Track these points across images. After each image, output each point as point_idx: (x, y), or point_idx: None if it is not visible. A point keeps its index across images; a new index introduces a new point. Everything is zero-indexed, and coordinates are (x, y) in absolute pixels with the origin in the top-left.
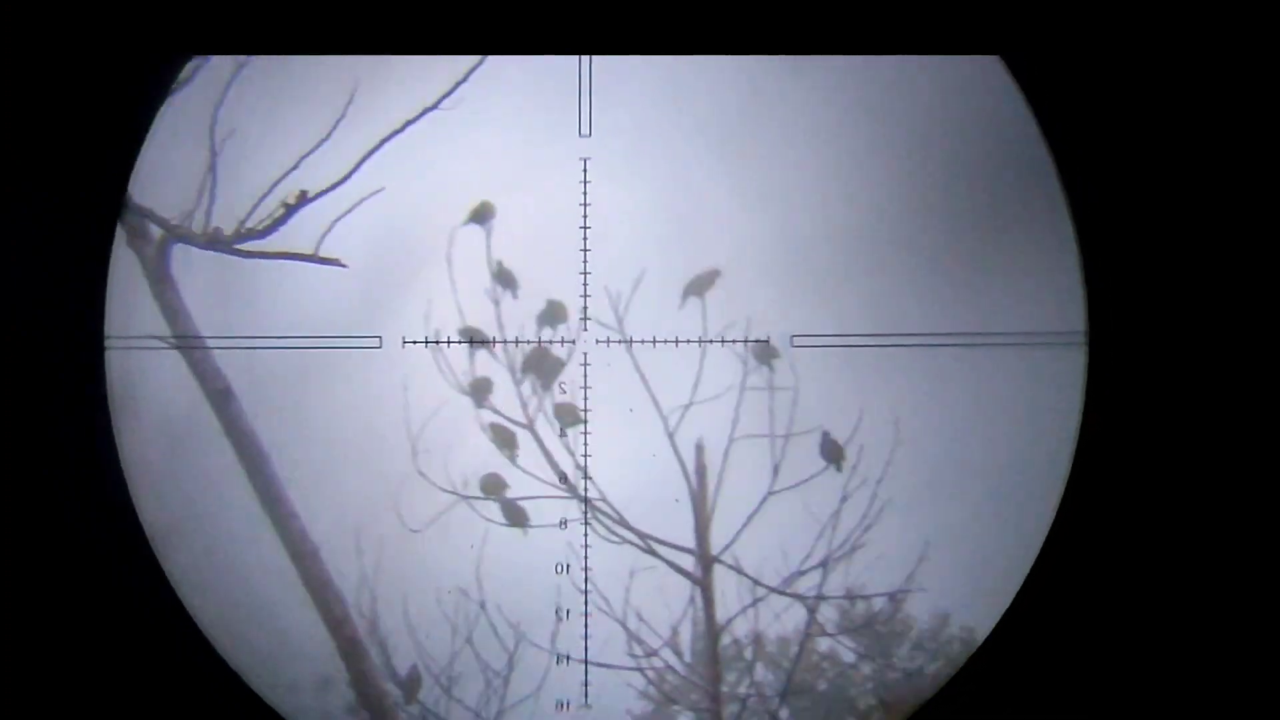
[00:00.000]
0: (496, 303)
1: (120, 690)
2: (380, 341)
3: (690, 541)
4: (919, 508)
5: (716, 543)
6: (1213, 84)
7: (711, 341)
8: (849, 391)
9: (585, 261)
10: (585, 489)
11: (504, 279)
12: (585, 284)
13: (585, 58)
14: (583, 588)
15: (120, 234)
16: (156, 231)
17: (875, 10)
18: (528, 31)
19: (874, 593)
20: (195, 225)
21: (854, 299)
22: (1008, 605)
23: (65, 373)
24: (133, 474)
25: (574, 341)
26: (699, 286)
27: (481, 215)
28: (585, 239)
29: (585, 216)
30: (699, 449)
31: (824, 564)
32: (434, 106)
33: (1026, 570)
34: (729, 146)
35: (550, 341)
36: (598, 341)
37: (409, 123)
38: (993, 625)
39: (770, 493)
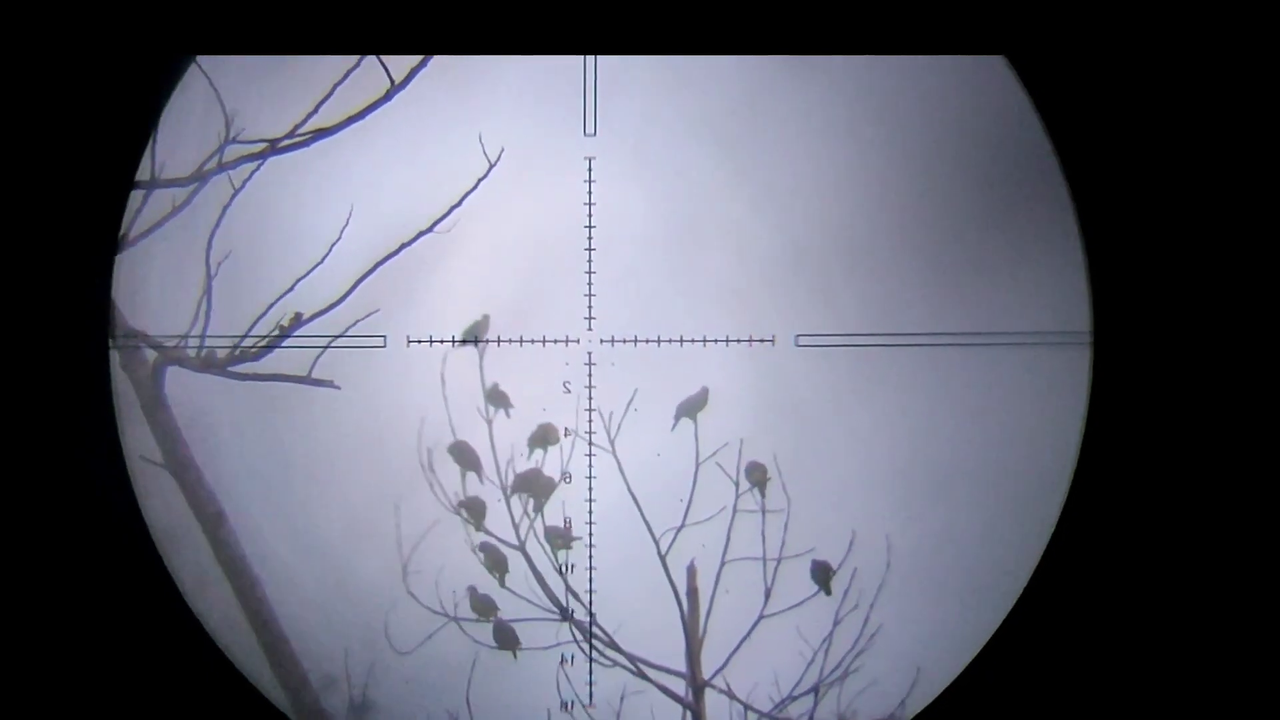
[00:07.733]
0: (489, 421)
1: (124, 691)
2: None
3: (682, 665)
4: (912, 632)
5: (708, 666)
6: (1218, 83)
7: (704, 461)
8: (841, 514)
9: (590, 262)
10: (572, 611)
11: (496, 399)
12: (590, 285)
13: (590, 57)
14: (574, 712)
15: (115, 357)
16: (150, 354)
17: (880, 10)
18: (533, 31)
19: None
20: (189, 348)
21: (859, 298)
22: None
23: (70, 373)
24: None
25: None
26: (691, 408)
27: (475, 332)
28: (590, 239)
29: (590, 216)
30: (691, 572)
31: (815, 689)
32: (429, 230)
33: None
34: (734, 145)
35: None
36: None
37: (404, 245)
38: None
39: (762, 616)
